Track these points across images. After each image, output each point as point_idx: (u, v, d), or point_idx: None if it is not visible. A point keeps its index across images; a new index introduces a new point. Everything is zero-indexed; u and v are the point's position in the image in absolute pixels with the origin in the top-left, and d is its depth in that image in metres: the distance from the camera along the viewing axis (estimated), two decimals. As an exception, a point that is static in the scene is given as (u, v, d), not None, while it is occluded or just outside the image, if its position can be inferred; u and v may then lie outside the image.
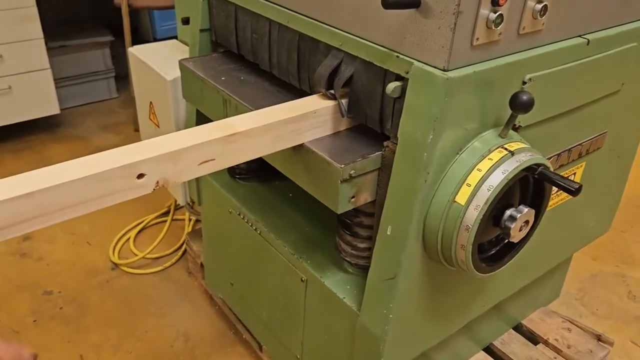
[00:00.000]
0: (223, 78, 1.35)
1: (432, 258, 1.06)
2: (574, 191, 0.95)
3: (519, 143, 1.00)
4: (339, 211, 1.04)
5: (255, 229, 1.45)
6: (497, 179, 0.94)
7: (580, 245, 1.61)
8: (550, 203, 1.32)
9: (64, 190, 0.81)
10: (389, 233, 1.03)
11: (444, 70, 0.88)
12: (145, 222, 2.39)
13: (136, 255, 2.21)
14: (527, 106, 0.93)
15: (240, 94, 1.26)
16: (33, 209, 0.79)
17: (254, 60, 1.36)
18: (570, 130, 1.22)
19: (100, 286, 2.09)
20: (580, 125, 1.24)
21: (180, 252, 2.23)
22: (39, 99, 2.88)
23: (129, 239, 2.32)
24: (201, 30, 1.48)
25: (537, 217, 1.07)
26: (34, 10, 2.70)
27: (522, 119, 1.03)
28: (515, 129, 1.05)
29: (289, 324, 1.45)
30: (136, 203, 2.44)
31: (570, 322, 1.72)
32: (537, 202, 1.07)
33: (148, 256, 2.21)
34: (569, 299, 2.09)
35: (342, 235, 1.24)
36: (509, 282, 1.39)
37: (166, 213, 2.40)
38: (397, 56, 0.95)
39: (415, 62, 0.92)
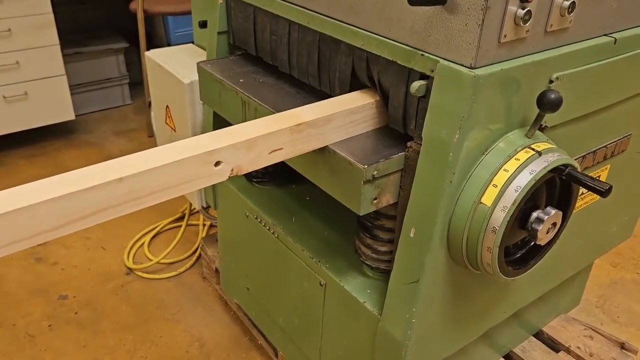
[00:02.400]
0: (241, 80, 1.34)
1: (456, 261, 1.03)
2: (603, 192, 0.92)
3: (546, 143, 0.98)
4: (361, 213, 1.02)
5: (273, 233, 1.43)
6: (525, 180, 0.92)
7: (602, 252, 1.58)
8: (576, 205, 1.30)
9: (150, 176, 0.84)
10: (412, 235, 1.01)
11: (470, 67, 0.87)
12: (160, 227, 2.39)
13: (150, 260, 2.20)
14: (555, 105, 0.91)
15: (259, 96, 1.25)
16: (124, 193, 0.83)
17: (272, 62, 1.35)
18: (596, 131, 1.19)
19: (115, 291, 2.08)
20: (606, 127, 1.22)
21: (194, 257, 2.22)
22: (55, 105, 2.90)
23: (143, 244, 2.31)
24: (219, 33, 1.48)
25: (564, 219, 1.04)
26: (50, 17, 2.72)
27: (548, 119, 1.01)
28: (542, 129, 1.03)
29: (306, 330, 1.43)
30: (150, 208, 2.44)
31: (592, 329, 1.69)
32: (564, 204, 1.04)
33: (162, 261, 2.20)
34: (590, 306, 2.05)
35: (362, 238, 1.22)
36: (530, 289, 1.36)
37: (180, 218, 2.40)
38: (422, 54, 0.93)
39: (441, 60, 0.90)
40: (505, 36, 0.87)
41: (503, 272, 0.99)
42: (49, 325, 1.93)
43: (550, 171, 0.94)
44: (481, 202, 0.94)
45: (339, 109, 1.06)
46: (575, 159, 1.17)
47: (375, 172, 0.99)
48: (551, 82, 0.98)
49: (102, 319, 1.96)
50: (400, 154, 1.02)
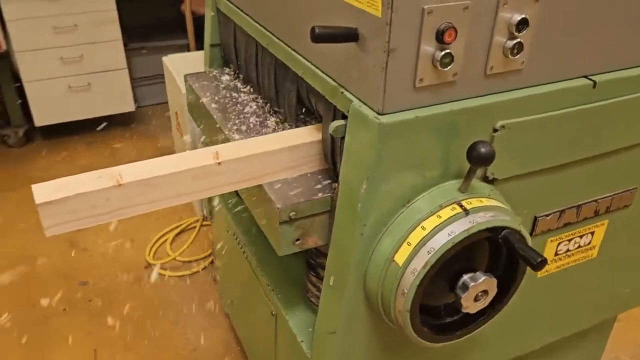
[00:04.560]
0: (217, 97, 1.31)
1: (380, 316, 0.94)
2: (535, 265, 0.79)
3: (483, 199, 0.86)
4: (281, 253, 0.96)
5: (244, 252, 1.40)
6: (441, 241, 0.81)
7: (612, 312, 1.38)
8: (561, 264, 1.15)
9: None
10: (331, 283, 0.93)
11: (378, 113, 0.78)
12: (186, 224, 2.44)
13: (169, 256, 2.26)
14: (484, 160, 0.80)
15: (226, 117, 1.22)
16: None
17: (248, 80, 1.31)
18: (579, 185, 1.03)
19: (130, 283, 2.17)
20: (596, 180, 1.05)
21: (211, 258, 2.25)
22: (116, 96, 3.07)
23: (167, 239, 2.38)
24: (211, 46, 1.46)
25: (511, 286, 0.91)
26: (114, 13, 2.87)
27: (495, 171, 0.89)
28: (490, 181, 0.91)
29: (265, 354, 1.39)
30: (180, 204, 2.52)
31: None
32: (511, 269, 0.91)
33: (179, 259, 2.25)
34: (619, 366, 1.82)
35: (308, 275, 1.16)
36: (496, 348, 1.19)
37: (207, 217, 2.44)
38: (342, 92, 0.85)
39: (355, 101, 0.82)
40: (421, 80, 0.77)
41: (422, 337, 0.89)
42: (64, 309, 2.05)
43: (475, 233, 0.82)
44: (394, 260, 0.85)
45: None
46: (548, 214, 1.02)
47: (292, 214, 0.92)
48: (495, 130, 0.86)
49: (112, 310, 2.04)
50: (327, 194, 0.95)
